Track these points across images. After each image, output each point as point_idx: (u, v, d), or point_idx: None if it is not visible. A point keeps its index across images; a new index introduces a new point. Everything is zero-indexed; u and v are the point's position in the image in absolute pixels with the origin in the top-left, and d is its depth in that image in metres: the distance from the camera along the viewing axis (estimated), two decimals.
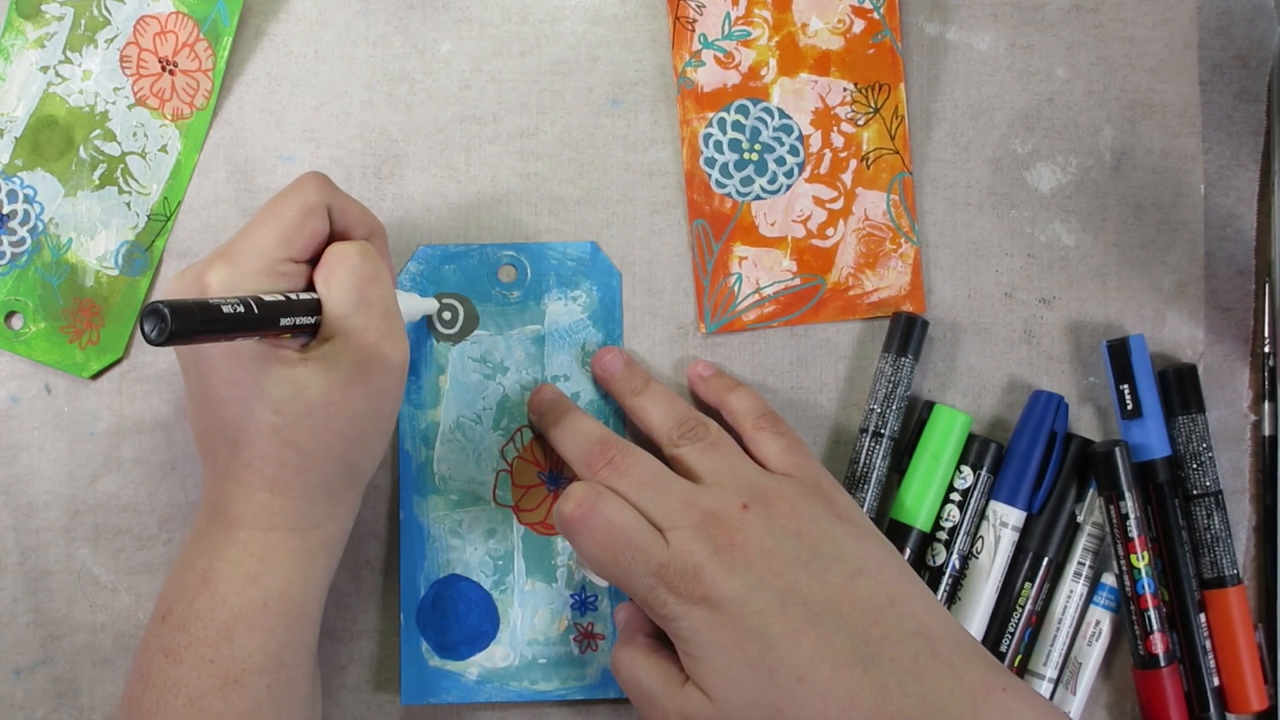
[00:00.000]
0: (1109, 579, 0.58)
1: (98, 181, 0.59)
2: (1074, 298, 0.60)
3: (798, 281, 0.59)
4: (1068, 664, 0.58)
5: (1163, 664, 0.56)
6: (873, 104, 0.59)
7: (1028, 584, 0.57)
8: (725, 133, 0.59)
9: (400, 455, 0.58)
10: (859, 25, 0.60)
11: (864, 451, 0.57)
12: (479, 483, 0.58)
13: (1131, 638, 0.56)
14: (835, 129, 0.59)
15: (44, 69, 0.59)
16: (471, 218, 0.59)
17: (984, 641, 0.57)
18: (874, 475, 0.57)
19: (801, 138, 0.59)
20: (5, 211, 0.59)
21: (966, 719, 0.46)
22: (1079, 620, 0.58)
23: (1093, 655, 0.58)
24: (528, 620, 0.58)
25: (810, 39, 0.60)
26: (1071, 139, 0.60)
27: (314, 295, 0.50)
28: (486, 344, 0.59)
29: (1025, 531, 0.58)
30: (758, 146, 0.59)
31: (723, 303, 0.59)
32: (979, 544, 0.57)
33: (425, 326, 0.58)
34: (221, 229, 0.59)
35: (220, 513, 0.50)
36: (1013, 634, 0.57)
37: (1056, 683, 0.58)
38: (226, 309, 0.44)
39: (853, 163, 0.59)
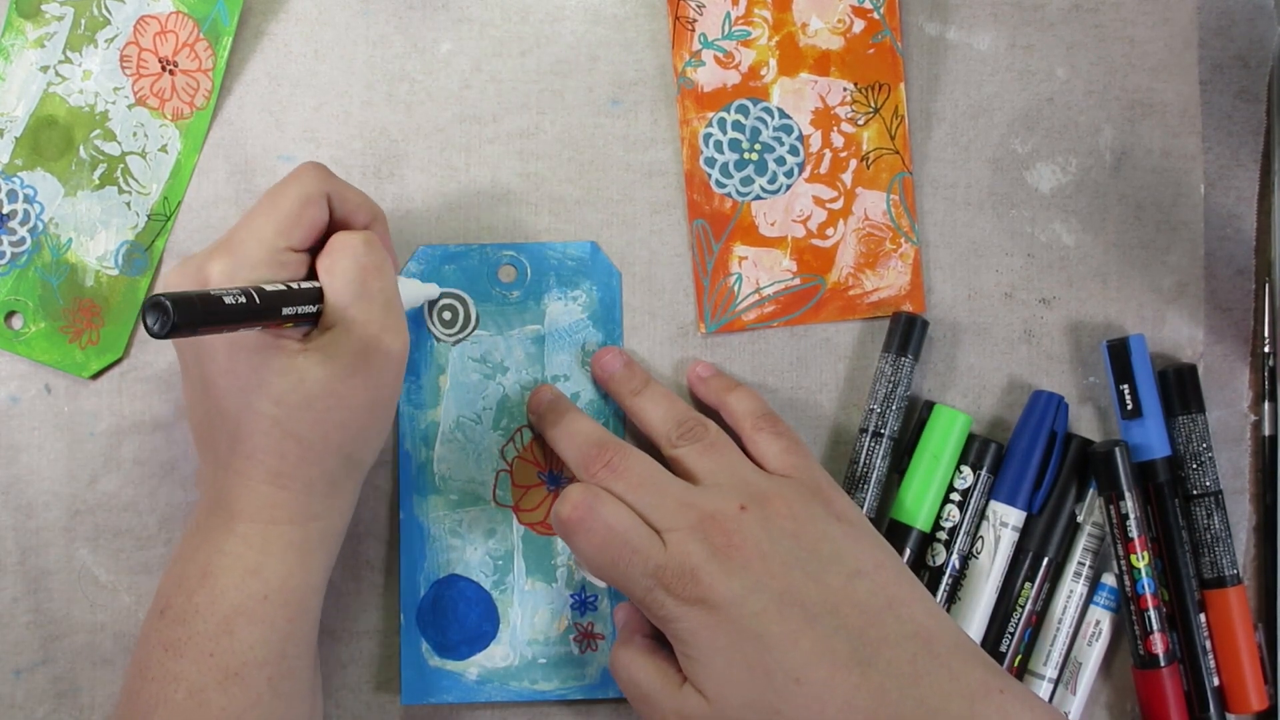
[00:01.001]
0: (1109, 579, 0.58)
1: (98, 181, 0.59)
2: (1074, 298, 0.60)
3: (798, 281, 0.59)
4: (1068, 664, 0.58)
5: (1163, 664, 0.56)
6: (873, 104, 0.59)
7: (1028, 584, 0.57)
8: (725, 132, 0.59)
9: (400, 455, 0.58)
10: (859, 25, 0.60)
11: (864, 451, 0.57)
12: (479, 483, 0.58)
13: (1131, 638, 0.56)
14: (835, 129, 0.59)
15: (44, 69, 0.59)
16: (471, 218, 0.59)
17: (984, 642, 0.57)
18: (874, 475, 0.57)
19: (801, 137, 0.59)
20: (5, 211, 0.59)
21: None
22: (1079, 620, 0.58)
23: (1093, 655, 0.58)
24: (528, 620, 0.58)
25: (810, 39, 0.60)
26: (1071, 139, 0.60)
27: (315, 284, 0.50)
28: (486, 344, 0.59)
29: (1025, 531, 0.58)
30: (758, 146, 0.59)
31: (723, 302, 0.59)
32: (979, 544, 0.57)
33: (425, 324, 0.58)
34: (221, 229, 0.59)
35: (220, 506, 0.50)
36: (1013, 634, 0.57)
37: (1056, 683, 0.58)
38: (228, 300, 0.44)
39: (853, 163, 0.59)
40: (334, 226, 0.52)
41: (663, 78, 0.60)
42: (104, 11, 0.59)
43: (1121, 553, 0.56)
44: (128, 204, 0.59)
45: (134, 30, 0.59)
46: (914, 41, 0.60)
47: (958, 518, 0.57)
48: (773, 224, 0.59)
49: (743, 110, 0.59)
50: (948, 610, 0.57)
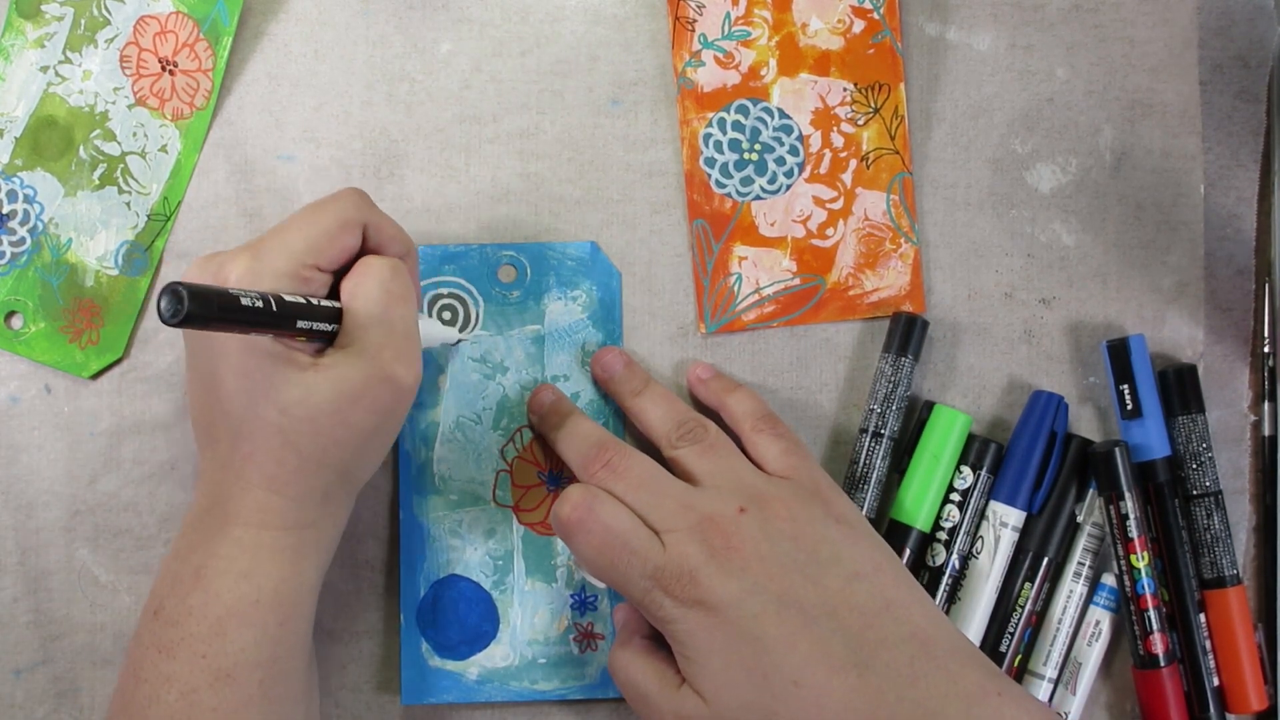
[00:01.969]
0: (1109, 579, 0.58)
1: (98, 181, 0.59)
2: (1074, 298, 0.60)
3: (798, 281, 0.59)
4: (1067, 664, 0.58)
5: (1163, 664, 0.56)
6: (873, 104, 0.59)
7: (1028, 584, 0.57)
8: (725, 133, 0.59)
9: (400, 455, 0.58)
10: (859, 25, 0.60)
11: (864, 451, 0.57)
12: (479, 483, 0.58)
13: (1131, 638, 0.56)
14: (835, 129, 0.59)
15: (44, 69, 0.59)
16: (471, 218, 0.59)
17: (983, 642, 0.57)
18: (874, 475, 0.57)
19: (801, 138, 0.59)
20: (5, 211, 0.59)
21: None
22: (1079, 620, 0.58)
23: (1093, 655, 0.58)
24: (527, 620, 0.58)
25: (810, 39, 0.60)
26: (1071, 139, 0.60)
27: (336, 304, 0.50)
28: (486, 344, 0.59)
29: (1025, 531, 0.57)
30: (758, 146, 0.59)
31: (723, 303, 0.59)
32: (979, 544, 0.57)
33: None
34: (221, 229, 0.59)
35: (215, 506, 0.50)
36: (1012, 634, 0.57)
37: (1056, 683, 0.58)
38: (245, 301, 0.44)
39: (852, 163, 0.60)
40: (364, 254, 0.52)
41: (663, 78, 0.60)
42: (104, 12, 0.59)
43: (1121, 553, 0.56)
44: (128, 204, 0.59)
45: (134, 30, 0.59)
46: (914, 42, 0.60)
47: (958, 518, 0.57)
48: (773, 224, 0.59)
49: (743, 110, 0.59)
50: (947, 611, 0.57)
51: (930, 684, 0.47)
